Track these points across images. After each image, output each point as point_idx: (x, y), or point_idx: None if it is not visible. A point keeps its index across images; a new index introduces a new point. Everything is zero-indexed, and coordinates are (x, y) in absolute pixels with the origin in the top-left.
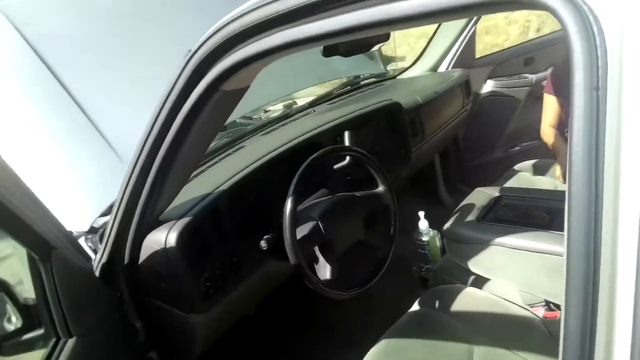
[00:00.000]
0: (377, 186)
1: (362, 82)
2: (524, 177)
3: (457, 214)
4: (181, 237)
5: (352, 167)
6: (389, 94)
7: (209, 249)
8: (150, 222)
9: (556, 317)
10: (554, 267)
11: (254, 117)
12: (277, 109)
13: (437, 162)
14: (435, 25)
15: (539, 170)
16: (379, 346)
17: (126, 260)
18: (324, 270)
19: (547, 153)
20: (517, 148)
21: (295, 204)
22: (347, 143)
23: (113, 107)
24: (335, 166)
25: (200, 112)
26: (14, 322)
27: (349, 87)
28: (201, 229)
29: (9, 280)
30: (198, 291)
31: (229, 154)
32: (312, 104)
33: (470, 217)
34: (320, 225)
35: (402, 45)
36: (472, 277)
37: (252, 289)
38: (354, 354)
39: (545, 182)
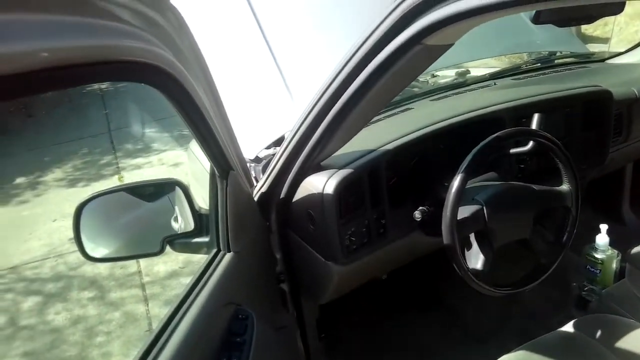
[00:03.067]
0: (559, 183)
1: (556, 61)
2: None
3: None
4: (339, 186)
5: (532, 155)
6: (595, 80)
7: (361, 205)
8: (313, 165)
9: None
10: None
11: (421, 79)
12: (447, 74)
13: (629, 172)
14: None
15: None
16: (516, 355)
17: (282, 195)
18: (476, 260)
19: None
20: None
21: (465, 181)
22: (534, 127)
23: (297, 48)
24: (513, 150)
25: (394, 64)
26: (181, 223)
27: (539, 64)
28: (359, 184)
29: (190, 188)
30: (342, 243)
31: (395, 114)
32: (494, 76)
33: None
34: (485, 211)
35: (609, 24)
36: None
37: (392, 255)
38: (481, 354)
39: None
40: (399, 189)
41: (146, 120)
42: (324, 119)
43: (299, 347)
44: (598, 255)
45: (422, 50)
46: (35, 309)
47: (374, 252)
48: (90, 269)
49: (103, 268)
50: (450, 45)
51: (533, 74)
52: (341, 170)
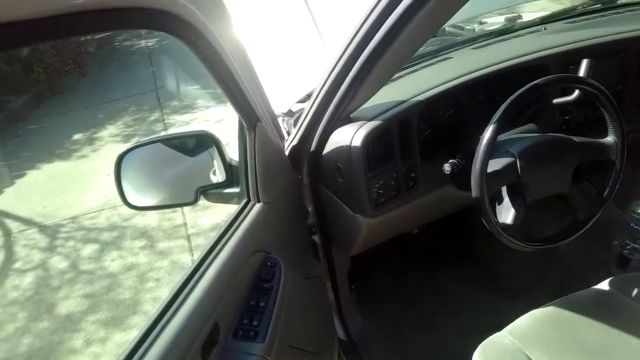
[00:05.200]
0: (604, 135)
1: (619, 0)
2: None
3: None
4: (367, 138)
5: (578, 105)
6: None
7: (390, 157)
8: (342, 118)
9: None
10: None
11: (467, 27)
12: (496, 21)
13: None
14: None
15: None
16: (546, 310)
17: (312, 149)
18: (506, 214)
19: None
20: None
21: (496, 132)
22: (582, 74)
23: None
24: (556, 100)
25: (418, 11)
26: (218, 176)
27: (600, 4)
28: (388, 136)
29: (222, 141)
30: (370, 196)
31: (432, 64)
32: (545, 20)
33: None
34: (518, 164)
35: None
36: None
37: (422, 208)
38: (513, 309)
39: None
40: (432, 142)
41: (191, 78)
42: (351, 69)
43: (330, 296)
44: None
45: None
46: (93, 255)
47: (403, 206)
48: (140, 220)
49: (152, 219)
50: None
51: (590, 16)
52: (370, 122)
